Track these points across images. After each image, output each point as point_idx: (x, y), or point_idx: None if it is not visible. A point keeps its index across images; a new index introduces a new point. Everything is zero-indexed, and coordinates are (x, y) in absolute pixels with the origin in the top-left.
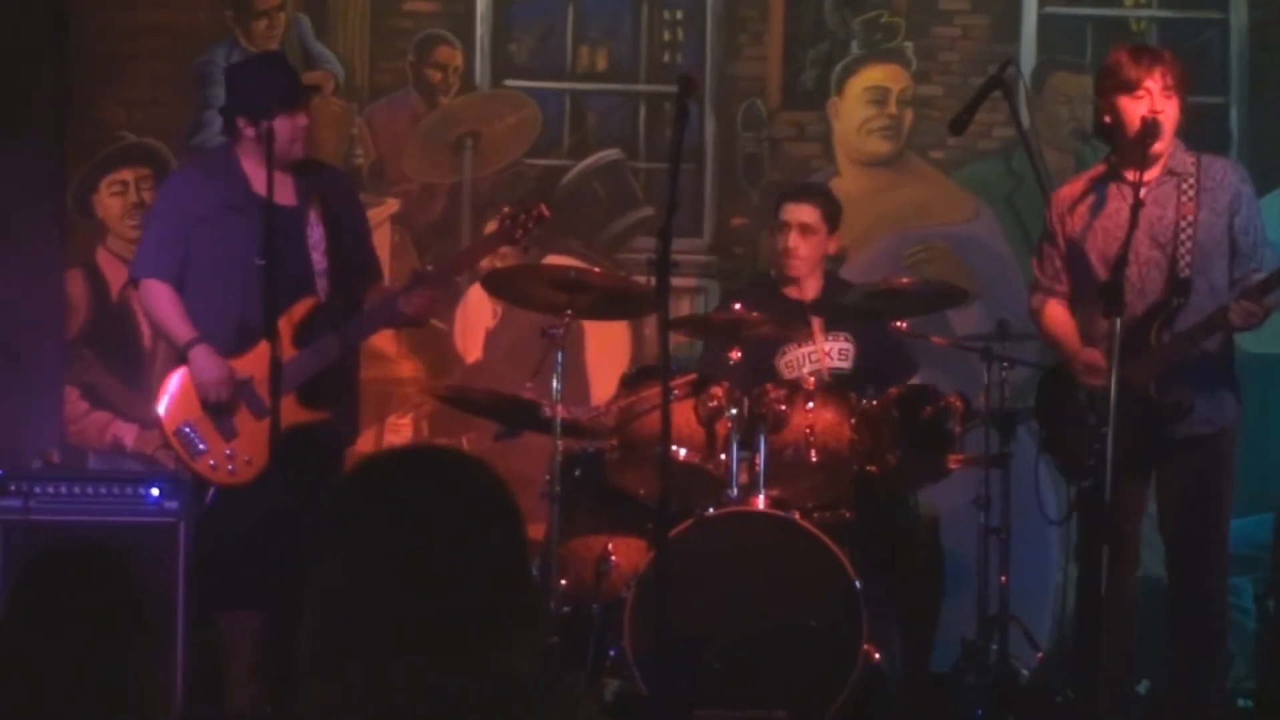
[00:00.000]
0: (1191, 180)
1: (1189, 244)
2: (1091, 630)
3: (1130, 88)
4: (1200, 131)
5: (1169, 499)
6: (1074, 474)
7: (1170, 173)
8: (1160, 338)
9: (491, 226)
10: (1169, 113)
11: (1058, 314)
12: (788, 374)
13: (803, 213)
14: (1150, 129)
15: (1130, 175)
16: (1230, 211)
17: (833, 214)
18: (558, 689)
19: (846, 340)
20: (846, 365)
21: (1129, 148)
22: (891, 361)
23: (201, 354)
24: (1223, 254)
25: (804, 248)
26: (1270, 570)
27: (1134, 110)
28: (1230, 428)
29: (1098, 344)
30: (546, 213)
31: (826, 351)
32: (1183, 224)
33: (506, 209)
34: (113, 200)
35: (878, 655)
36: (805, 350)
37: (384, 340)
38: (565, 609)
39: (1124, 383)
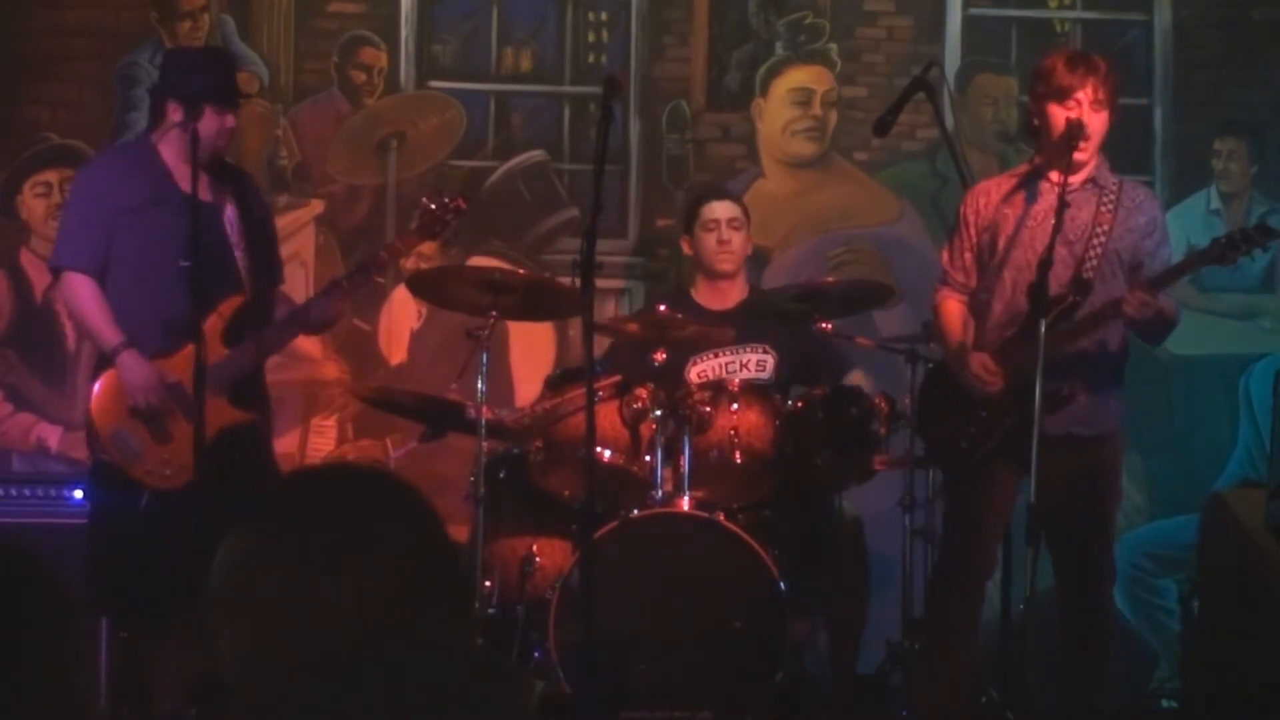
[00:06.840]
0: (1112, 196)
1: (1099, 249)
2: (938, 626)
3: (1061, 96)
4: (1125, 133)
5: (1048, 502)
6: (942, 464)
7: (1094, 183)
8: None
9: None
10: (1096, 125)
11: (952, 310)
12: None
13: (728, 209)
14: (1075, 130)
15: (1055, 177)
16: (1144, 234)
17: (746, 213)
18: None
19: (765, 351)
20: (765, 375)
21: (1055, 151)
22: (818, 366)
23: (130, 360)
24: (1125, 268)
25: (737, 239)
26: (1195, 571)
27: (1062, 116)
28: (1113, 435)
29: (990, 334)
30: (464, 205)
31: (744, 362)
32: (1097, 229)
33: (426, 202)
34: (36, 201)
35: (803, 657)
36: (721, 360)
37: (308, 342)
38: (490, 610)
39: (1013, 372)
